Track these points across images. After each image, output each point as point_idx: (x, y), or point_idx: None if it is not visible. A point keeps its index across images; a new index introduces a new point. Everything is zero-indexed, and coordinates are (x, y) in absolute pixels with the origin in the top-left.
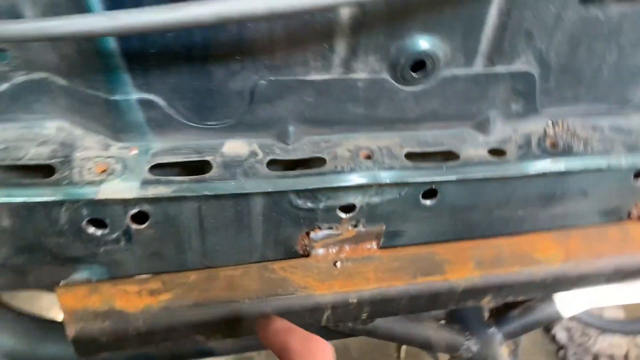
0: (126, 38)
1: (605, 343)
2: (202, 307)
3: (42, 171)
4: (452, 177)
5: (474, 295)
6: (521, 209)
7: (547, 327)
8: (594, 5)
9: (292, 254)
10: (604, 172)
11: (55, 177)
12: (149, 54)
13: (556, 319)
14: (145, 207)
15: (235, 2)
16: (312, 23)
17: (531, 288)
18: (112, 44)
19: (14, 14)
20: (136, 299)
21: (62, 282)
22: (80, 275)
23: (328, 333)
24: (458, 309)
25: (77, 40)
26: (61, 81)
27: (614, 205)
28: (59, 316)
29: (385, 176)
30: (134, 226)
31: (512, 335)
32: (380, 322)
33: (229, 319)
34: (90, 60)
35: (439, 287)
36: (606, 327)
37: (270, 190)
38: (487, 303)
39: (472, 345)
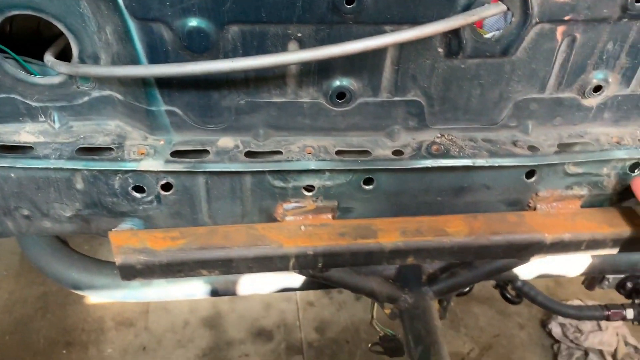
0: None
1: (595, 340)
2: (205, 250)
3: (106, 151)
4: (362, 167)
5: (399, 255)
6: (439, 196)
7: (544, 322)
8: (455, 59)
9: (271, 220)
10: (500, 171)
11: (113, 155)
12: (173, 83)
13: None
14: (170, 180)
15: (230, 62)
16: (273, 69)
17: (442, 253)
18: (152, 78)
19: (96, 59)
20: (161, 242)
21: (113, 229)
22: (125, 225)
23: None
24: (401, 272)
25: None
26: (119, 97)
27: (515, 197)
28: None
29: (318, 164)
30: (162, 192)
31: (441, 293)
32: (334, 272)
33: (224, 259)
34: (137, 86)
35: (372, 247)
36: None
37: (241, 170)
38: (411, 262)
39: (408, 298)
